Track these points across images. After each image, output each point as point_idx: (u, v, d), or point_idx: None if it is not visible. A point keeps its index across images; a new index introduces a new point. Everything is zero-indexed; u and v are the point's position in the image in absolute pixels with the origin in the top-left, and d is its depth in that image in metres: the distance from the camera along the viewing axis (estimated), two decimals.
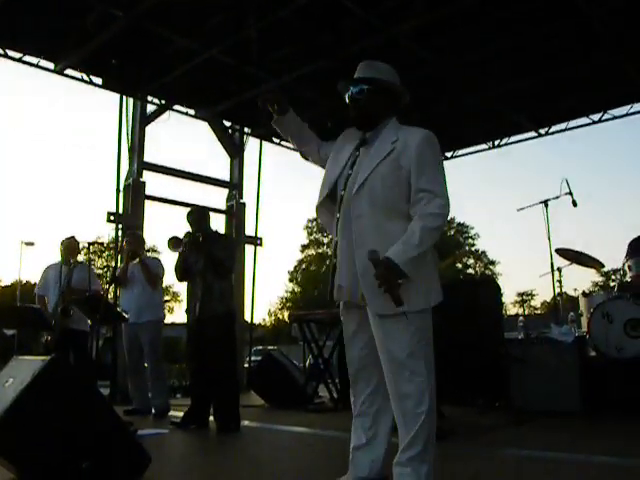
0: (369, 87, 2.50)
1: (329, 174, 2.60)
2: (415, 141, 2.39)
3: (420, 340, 2.32)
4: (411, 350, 2.29)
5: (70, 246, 5.81)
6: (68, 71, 7.53)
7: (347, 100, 2.56)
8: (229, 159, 9.87)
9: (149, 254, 6.11)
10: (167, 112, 8.82)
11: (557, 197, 5.75)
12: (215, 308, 4.66)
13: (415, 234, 2.27)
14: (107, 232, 29.52)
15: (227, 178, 9.82)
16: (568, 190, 5.73)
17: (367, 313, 2.41)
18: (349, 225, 2.41)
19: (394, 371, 2.31)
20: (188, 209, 5.05)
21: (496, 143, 10.45)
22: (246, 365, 9.35)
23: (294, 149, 10.30)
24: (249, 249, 9.82)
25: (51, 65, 7.38)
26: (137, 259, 5.57)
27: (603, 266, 6.28)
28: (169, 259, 5.54)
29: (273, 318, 50.47)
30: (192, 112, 9.11)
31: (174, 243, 4.71)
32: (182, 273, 4.86)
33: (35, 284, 6.19)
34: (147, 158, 8.47)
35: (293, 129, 2.76)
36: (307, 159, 2.84)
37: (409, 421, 2.28)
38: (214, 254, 4.68)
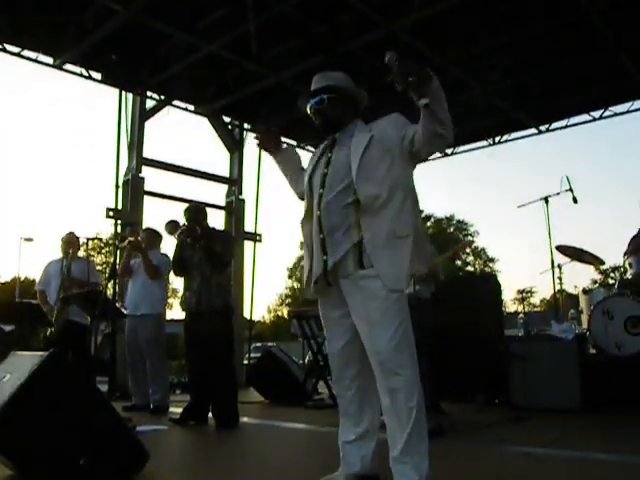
0: (328, 95, 2.57)
1: (304, 176, 2.66)
2: (390, 120, 2.49)
3: (404, 332, 2.32)
4: (396, 342, 2.29)
5: (69, 241, 5.84)
6: (67, 66, 7.52)
7: (310, 113, 2.63)
8: (228, 155, 9.86)
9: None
10: (166, 107, 8.82)
11: (558, 194, 5.73)
12: (213, 302, 4.64)
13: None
14: (106, 228, 29.51)
15: (226, 174, 9.82)
16: (569, 187, 5.71)
17: (348, 305, 2.41)
18: (333, 217, 2.42)
19: (381, 366, 2.31)
20: (187, 205, 5.05)
21: (496, 140, 10.45)
22: (245, 362, 9.35)
23: (297, 145, 10.24)
24: (248, 245, 9.83)
25: (50, 60, 7.36)
26: (137, 251, 5.59)
27: (603, 263, 6.27)
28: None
29: (272, 315, 50.52)
30: (191, 108, 9.11)
31: (172, 227, 4.72)
32: (180, 267, 4.85)
33: (34, 280, 6.19)
34: (146, 154, 8.47)
35: (291, 171, 2.83)
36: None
37: (401, 417, 2.28)
38: (212, 247, 4.66)
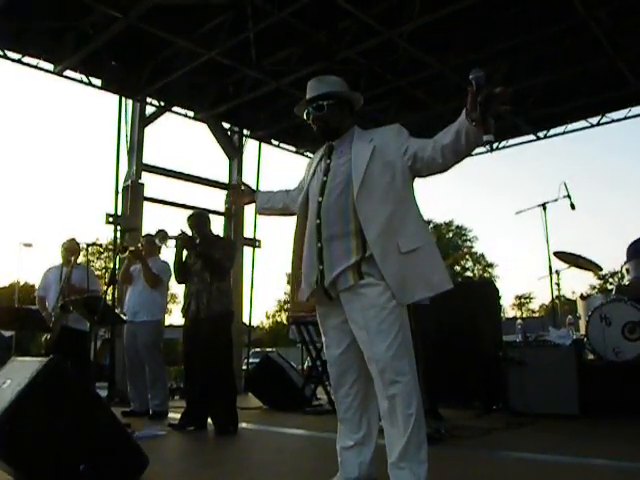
0: (327, 102, 2.56)
1: (303, 185, 2.69)
2: (393, 131, 2.50)
3: (403, 340, 2.32)
4: (395, 350, 2.29)
5: (70, 247, 5.83)
6: (67, 72, 7.54)
7: (309, 120, 2.62)
8: (228, 161, 9.88)
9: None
10: (166, 114, 8.84)
11: (556, 200, 5.76)
12: (213, 308, 4.65)
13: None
14: (106, 234, 29.50)
15: (226, 180, 9.83)
16: (566, 193, 5.74)
17: (346, 313, 2.41)
18: (331, 226, 2.42)
19: (380, 374, 2.31)
20: (187, 211, 5.08)
21: (494, 146, 10.48)
22: (244, 367, 9.35)
23: (296, 151, 10.30)
24: (247, 251, 9.85)
25: (50, 66, 7.38)
26: (138, 259, 5.60)
27: (601, 269, 6.29)
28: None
29: (271, 320, 50.47)
30: (191, 114, 9.13)
31: (161, 236, 4.79)
32: (181, 275, 4.87)
33: (34, 285, 6.21)
34: (146, 159, 8.49)
35: (275, 207, 2.94)
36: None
37: (400, 424, 2.27)
38: (211, 255, 4.68)
